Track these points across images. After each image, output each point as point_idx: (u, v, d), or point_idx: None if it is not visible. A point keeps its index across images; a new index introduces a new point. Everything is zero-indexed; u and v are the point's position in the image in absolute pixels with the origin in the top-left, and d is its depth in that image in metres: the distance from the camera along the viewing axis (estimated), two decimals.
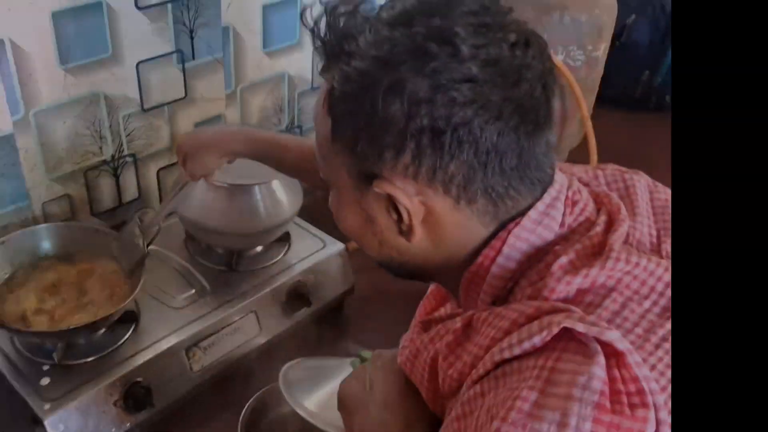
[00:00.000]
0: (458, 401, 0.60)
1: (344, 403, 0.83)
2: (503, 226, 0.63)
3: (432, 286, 0.81)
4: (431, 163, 0.58)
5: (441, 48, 0.56)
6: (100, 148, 1.29)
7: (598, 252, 0.62)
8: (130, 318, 1.17)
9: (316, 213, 1.41)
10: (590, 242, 0.63)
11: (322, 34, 0.60)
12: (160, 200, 1.46)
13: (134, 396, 1.10)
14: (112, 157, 1.32)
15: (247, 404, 1.16)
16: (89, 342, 1.12)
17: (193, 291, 1.26)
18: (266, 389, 1.19)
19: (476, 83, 0.56)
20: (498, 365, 0.58)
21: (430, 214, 0.61)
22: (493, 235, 0.63)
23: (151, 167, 1.40)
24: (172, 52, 1.29)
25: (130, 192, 1.39)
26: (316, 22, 0.60)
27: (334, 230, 1.50)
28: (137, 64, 1.26)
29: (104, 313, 1.10)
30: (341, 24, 0.59)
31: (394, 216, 0.62)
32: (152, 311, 1.21)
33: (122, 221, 1.40)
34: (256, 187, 1.27)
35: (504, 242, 0.63)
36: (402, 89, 0.56)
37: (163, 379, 1.15)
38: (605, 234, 0.64)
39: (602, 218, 0.65)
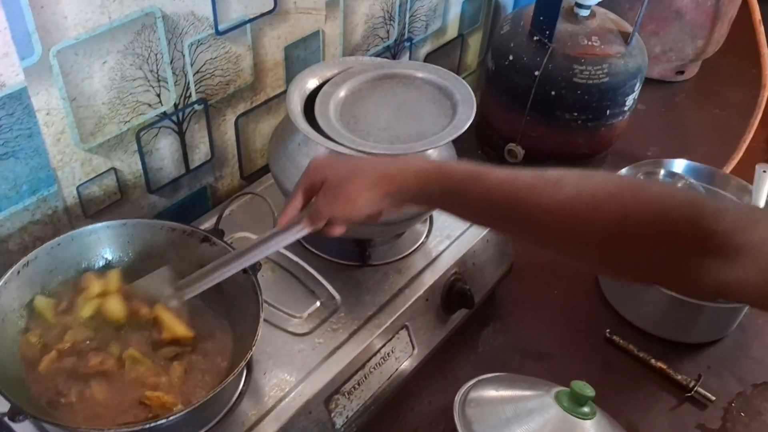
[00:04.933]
0: None
1: None
2: None
3: None
4: None
5: None
6: (158, 95, 0.85)
7: None
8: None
9: None
10: None
11: None
12: (240, 160, 1.02)
13: None
14: (176, 106, 0.87)
15: None
16: (181, 418, 0.71)
17: (318, 304, 0.86)
18: None
19: None
20: None
21: None
22: None
23: (228, 115, 0.96)
24: None
25: (201, 152, 0.95)
26: None
27: None
28: None
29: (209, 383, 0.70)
30: None
31: None
32: (268, 343, 0.81)
33: (188, 194, 0.98)
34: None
35: None
36: None
37: None
38: None
39: None
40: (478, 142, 1.34)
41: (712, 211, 0.61)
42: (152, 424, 0.65)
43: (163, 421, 0.65)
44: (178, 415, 0.65)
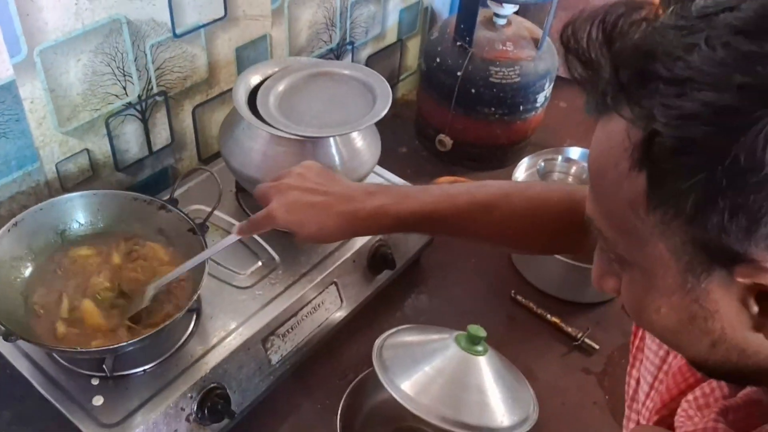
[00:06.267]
0: None
1: None
2: None
3: (681, 363, 0.60)
4: None
5: None
6: (124, 88, 1.01)
7: None
8: (191, 307, 0.93)
9: (394, 154, 1.18)
10: None
11: (598, 55, 0.45)
12: (197, 144, 1.19)
13: (211, 406, 0.89)
14: (139, 97, 1.04)
15: (344, 396, 0.97)
16: (142, 344, 0.88)
17: (260, 263, 1.02)
18: (362, 376, 0.99)
19: None
20: None
21: None
22: None
23: (186, 106, 1.12)
24: None
25: (162, 137, 1.12)
26: (574, 39, 0.46)
27: (413, 176, 1.28)
28: None
29: (162, 315, 0.87)
30: (636, 40, 0.43)
31: (754, 309, 0.44)
32: (214, 294, 0.97)
33: (151, 174, 1.14)
34: (332, 139, 1.01)
35: None
36: None
37: (239, 379, 0.93)
38: None
39: None
40: (416, 133, 1.52)
41: (581, 198, 0.82)
42: (115, 346, 0.81)
43: (124, 344, 0.81)
44: (136, 340, 0.81)
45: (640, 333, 0.71)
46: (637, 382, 0.71)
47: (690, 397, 0.57)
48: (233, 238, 0.84)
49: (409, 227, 0.82)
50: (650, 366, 0.67)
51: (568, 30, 0.47)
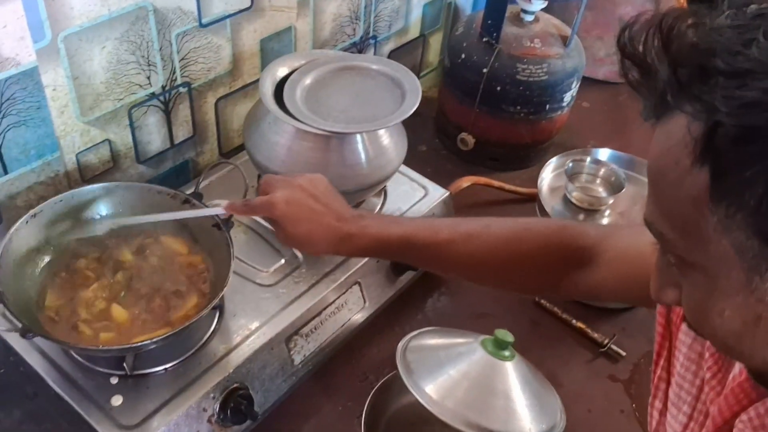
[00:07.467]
0: None
1: None
2: None
3: (733, 384, 0.57)
4: None
5: None
6: (148, 78, 0.98)
7: None
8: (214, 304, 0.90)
9: (413, 153, 1.15)
10: None
11: (654, 58, 0.45)
12: (219, 138, 1.16)
13: (234, 407, 0.86)
14: (163, 88, 1.01)
15: (368, 399, 0.94)
16: (165, 342, 0.85)
17: (283, 261, 1.00)
18: (386, 378, 0.96)
19: None
20: None
21: None
22: None
23: (209, 98, 1.09)
24: None
25: (184, 130, 1.09)
26: (631, 44, 0.47)
27: (432, 175, 1.26)
28: None
29: (186, 312, 0.84)
30: (693, 39, 0.44)
31: None
32: (237, 292, 0.95)
33: (172, 167, 1.11)
34: (359, 136, 0.98)
35: None
36: None
37: (262, 380, 0.91)
38: None
39: None
40: (436, 131, 1.49)
41: (579, 232, 0.82)
42: (138, 344, 0.78)
43: (146, 342, 0.78)
44: (158, 338, 0.79)
45: (661, 362, 0.69)
46: (660, 413, 0.69)
47: (744, 417, 0.55)
48: (218, 210, 0.85)
49: (388, 251, 0.84)
50: (685, 395, 0.64)
51: (625, 35, 0.48)
